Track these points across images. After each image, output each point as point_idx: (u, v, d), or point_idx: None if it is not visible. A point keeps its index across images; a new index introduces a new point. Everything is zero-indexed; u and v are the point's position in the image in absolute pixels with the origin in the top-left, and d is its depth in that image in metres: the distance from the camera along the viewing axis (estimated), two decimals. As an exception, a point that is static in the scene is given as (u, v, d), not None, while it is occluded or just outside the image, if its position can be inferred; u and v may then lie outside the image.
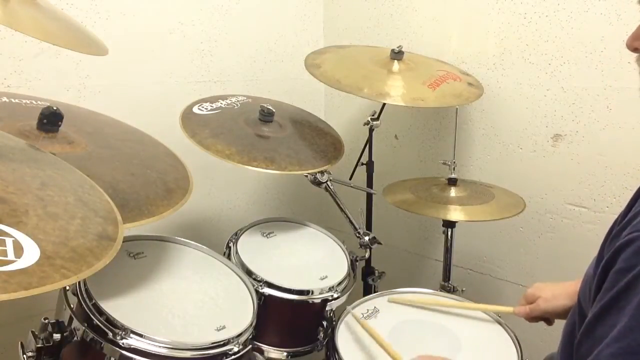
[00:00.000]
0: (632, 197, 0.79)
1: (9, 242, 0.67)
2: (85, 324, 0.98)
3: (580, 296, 0.85)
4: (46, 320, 0.99)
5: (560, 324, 1.13)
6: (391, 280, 1.62)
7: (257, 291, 1.24)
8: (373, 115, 1.64)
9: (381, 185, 1.67)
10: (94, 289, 1.01)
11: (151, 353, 0.96)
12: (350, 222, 1.56)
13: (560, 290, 1.11)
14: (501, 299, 1.84)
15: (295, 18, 2.09)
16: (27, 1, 0.85)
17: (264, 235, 1.49)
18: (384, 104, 1.63)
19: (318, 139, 1.54)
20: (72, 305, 1.01)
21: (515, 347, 1.17)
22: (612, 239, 0.75)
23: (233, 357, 1.05)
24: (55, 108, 1.06)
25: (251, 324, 1.13)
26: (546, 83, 1.63)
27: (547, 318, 1.15)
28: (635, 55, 0.82)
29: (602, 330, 0.69)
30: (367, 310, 1.29)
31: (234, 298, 1.20)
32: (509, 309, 1.21)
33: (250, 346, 1.12)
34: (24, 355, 0.96)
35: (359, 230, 1.55)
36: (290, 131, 1.51)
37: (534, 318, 1.16)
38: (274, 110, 1.47)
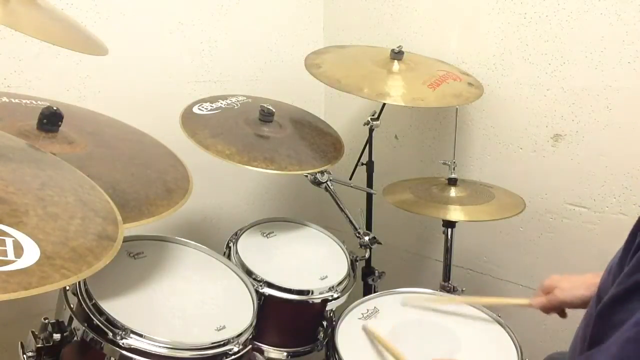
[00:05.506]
0: None
1: (9, 242, 0.67)
2: (85, 324, 0.98)
3: (602, 289, 0.81)
4: (46, 320, 0.99)
5: (560, 324, 1.13)
6: (391, 280, 1.62)
7: (257, 291, 1.24)
8: (373, 115, 1.64)
9: (381, 185, 1.67)
10: (94, 289, 1.01)
11: (151, 353, 0.96)
12: (350, 222, 1.56)
13: (578, 281, 1.09)
14: (501, 299, 1.84)
15: (295, 18, 2.08)
16: (27, 1, 0.85)
17: (264, 235, 1.49)
18: (384, 104, 1.63)
19: (318, 139, 1.53)
20: (72, 305, 1.01)
21: (515, 347, 1.17)
22: None
23: (233, 357, 1.05)
24: (55, 108, 1.06)
25: (251, 324, 1.13)
26: (546, 83, 1.63)
27: (562, 310, 1.14)
28: None
29: (621, 314, 0.67)
30: (367, 310, 1.29)
31: (234, 298, 1.20)
32: (525, 300, 1.20)
33: (250, 346, 1.12)
34: (24, 355, 0.96)
35: (359, 230, 1.55)
36: (290, 131, 1.51)
37: (550, 309, 1.14)
38: (274, 110, 1.47)
